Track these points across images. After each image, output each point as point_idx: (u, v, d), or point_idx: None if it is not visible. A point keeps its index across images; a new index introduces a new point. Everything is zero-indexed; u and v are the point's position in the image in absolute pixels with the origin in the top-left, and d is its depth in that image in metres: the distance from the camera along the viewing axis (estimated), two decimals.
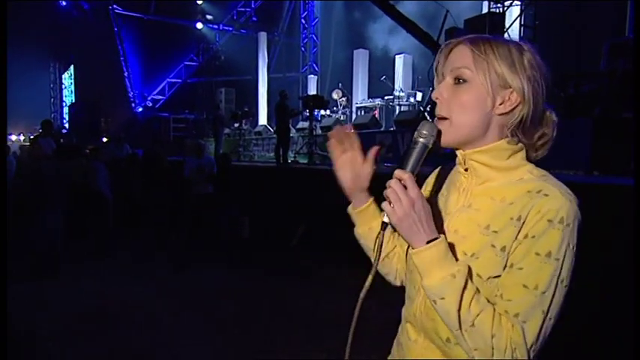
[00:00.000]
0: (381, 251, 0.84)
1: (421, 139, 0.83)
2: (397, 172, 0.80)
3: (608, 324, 2.78)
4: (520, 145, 0.85)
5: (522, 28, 7.70)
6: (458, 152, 0.88)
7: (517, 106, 0.83)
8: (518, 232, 0.77)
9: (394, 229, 0.82)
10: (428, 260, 0.78)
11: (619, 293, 2.72)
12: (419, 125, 0.85)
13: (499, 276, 0.79)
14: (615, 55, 5.65)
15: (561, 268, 0.75)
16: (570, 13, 7.94)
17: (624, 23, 7.16)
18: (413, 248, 0.79)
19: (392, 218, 0.79)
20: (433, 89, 0.89)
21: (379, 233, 0.84)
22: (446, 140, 0.85)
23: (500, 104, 0.82)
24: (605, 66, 5.77)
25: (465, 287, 0.76)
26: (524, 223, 0.77)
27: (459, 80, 0.83)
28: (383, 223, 0.82)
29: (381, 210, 0.81)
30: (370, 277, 0.85)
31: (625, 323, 2.56)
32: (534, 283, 0.75)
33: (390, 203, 0.78)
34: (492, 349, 0.74)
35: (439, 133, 0.84)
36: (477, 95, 0.82)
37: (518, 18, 7.75)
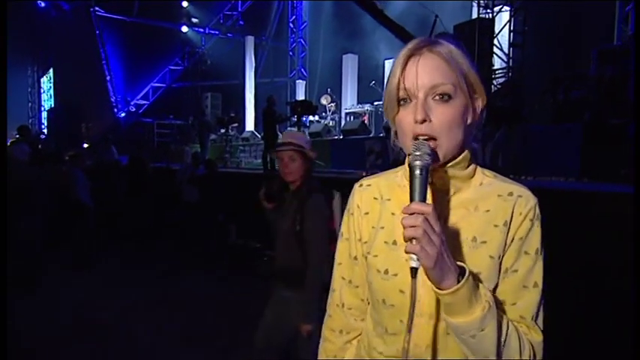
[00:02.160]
0: (414, 306, 0.73)
1: (418, 162, 0.75)
2: (417, 207, 0.71)
3: (606, 325, 2.82)
4: (471, 148, 0.85)
5: (512, 34, 7.84)
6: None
7: (482, 109, 0.84)
8: (506, 236, 0.80)
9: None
10: (465, 297, 0.72)
11: (615, 295, 2.76)
12: (412, 148, 0.77)
13: (497, 285, 0.81)
14: (604, 61, 5.79)
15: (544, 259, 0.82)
16: (559, 18, 8.13)
17: (612, 29, 7.34)
18: (441, 289, 0.72)
19: (427, 262, 0.69)
20: (399, 102, 0.81)
21: (412, 287, 0.72)
22: (435, 161, 0.79)
23: (474, 112, 0.83)
24: (594, 72, 5.90)
25: (497, 310, 0.75)
26: (510, 226, 0.80)
27: (442, 97, 0.79)
28: (413, 269, 0.72)
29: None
30: (407, 336, 0.75)
31: (623, 324, 2.60)
32: (532, 281, 0.80)
33: (415, 243, 0.69)
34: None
35: (433, 149, 0.78)
36: (461, 110, 0.80)
37: (508, 23, 7.90)
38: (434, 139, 0.79)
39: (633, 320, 2.10)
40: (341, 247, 0.98)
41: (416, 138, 0.79)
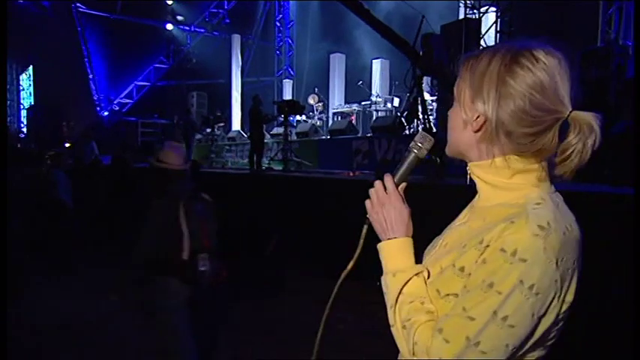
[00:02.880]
0: (363, 242, 0.95)
1: (415, 151, 0.93)
2: (385, 176, 0.92)
3: (605, 326, 2.86)
4: (525, 164, 0.79)
5: (498, 35, 7.93)
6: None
7: (483, 124, 0.80)
8: (480, 255, 0.75)
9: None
10: (383, 254, 0.90)
11: (612, 297, 2.81)
12: (417, 135, 0.94)
13: (456, 294, 0.78)
14: (588, 63, 5.90)
15: (503, 304, 0.70)
16: (545, 20, 8.25)
17: (596, 31, 7.49)
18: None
19: (368, 213, 0.93)
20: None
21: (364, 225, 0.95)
22: (447, 152, 0.91)
23: (475, 120, 0.81)
24: (578, 74, 6.01)
25: (402, 287, 0.84)
26: (486, 247, 0.75)
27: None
28: (365, 217, 0.94)
29: None
30: (350, 264, 0.96)
31: (620, 326, 2.65)
32: (470, 305, 0.73)
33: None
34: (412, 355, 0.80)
35: (434, 145, 0.92)
36: (455, 115, 0.87)
37: (495, 24, 7.99)
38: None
39: (633, 321, 2.14)
40: None
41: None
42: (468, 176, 0.89)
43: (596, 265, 2.84)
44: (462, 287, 0.77)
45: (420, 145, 0.92)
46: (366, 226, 0.95)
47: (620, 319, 2.75)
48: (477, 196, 0.90)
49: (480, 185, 0.86)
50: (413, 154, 0.93)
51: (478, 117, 0.81)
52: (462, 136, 0.85)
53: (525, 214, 0.73)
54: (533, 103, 0.76)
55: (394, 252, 0.89)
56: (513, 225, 0.73)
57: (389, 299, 0.86)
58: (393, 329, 0.85)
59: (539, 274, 0.70)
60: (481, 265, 0.74)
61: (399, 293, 0.84)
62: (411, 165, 0.93)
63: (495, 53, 0.80)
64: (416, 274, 0.85)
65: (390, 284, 0.87)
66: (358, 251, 0.95)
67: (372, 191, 0.92)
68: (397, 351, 0.87)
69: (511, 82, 0.76)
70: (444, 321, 0.76)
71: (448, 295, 0.79)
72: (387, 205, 0.90)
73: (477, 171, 0.85)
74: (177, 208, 2.60)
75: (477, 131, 0.82)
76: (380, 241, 0.92)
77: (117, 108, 16.93)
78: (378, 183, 0.91)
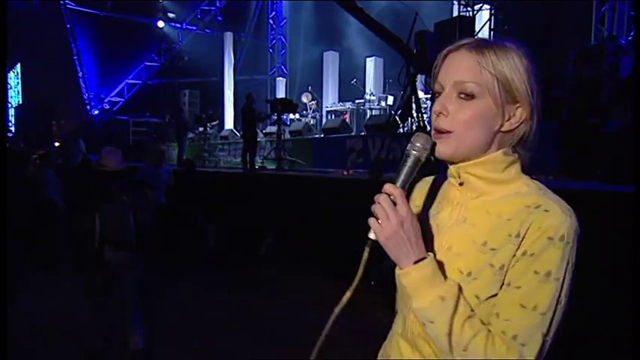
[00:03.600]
0: (364, 268, 0.81)
1: (414, 152, 0.82)
2: (387, 187, 0.79)
3: (603, 327, 2.89)
4: (516, 156, 0.84)
5: (492, 32, 7.98)
6: (451, 165, 0.86)
7: (523, 121, 0.82)
8: (517, 249, 0.76)
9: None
10: (415, 281, 0.77)
11: (612, 297, 2.83)
12: (413, 137, 0.83)
13: (496, 294, 0.78)
14: (582, 61, 5.94)
15: (561, 289, 0.74)
16: (539, 18, 8.31)
17: (590, 29, 7.55)
18: (400, 268, 0.78)
19: (379, 236, 0.78)
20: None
21: (364, 249, 0.81)
22: (445, 152, 0.83)
23: (507, 121, 0.81)
24: (572, 72, 6.06)
25: (455, 310, 0.75)
26: (523, 239, 0.76)
27: (464, 95, 0.80)
28: (368, 239, 0.80)
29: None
30: (348, 294, 0.83)
31: (620, 326, 2.67)
32: (533, 303, 0.74)
33: (377, 220, 0.78)
34: None
35: (433, 145, 0.82)
36: (484, 112, 0.80)
37: (488, 22, 8.04)
38: (449, 132, 0.82)
39: (633, 322, 2.16)
40: None
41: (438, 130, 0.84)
42: (455, 177, 0.86)
43: (593, 263, 2.87)
44: (505, 286, 0.77)
45: (419, 145, 0.82)
46: (367, 249, 0.81)
47: (620, 319, 2.77)
48: (462, 194, 0.86)
49: (473, 182, 0.84)
50: (413, 157, 0.82)
51: (515, 114, 0.82)
52: (484, 135, 0.81)
53: (551, 201, 0.78)
54: (542, 96, 0.83)
55: (431, 274, 0.77)
56: (549, 213, 0.76)
57: (439, 327, 0.75)
58: (450, 357, 0.76)
59: (574, 253, 0.76)
60: (529, 258, 0.75)
61: (453, 316, 0.75)
62: (412, 169, 0.82)
63: (506, 48, 0.81)
64: (459, 290, 0.78)
65: (439, 311, 0.75)
66: (357, 281, 0.82)
67: (382, 208, 0.77)
68: None
69: (534, 77, 0.82)
70: (512, 326, 0.74)
71: (489, 298, 0.77)
72: (405, 224, 0.77)
73: (475, 169, 0.83)
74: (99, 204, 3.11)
75: (509, 130, 0.82)
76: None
77: (107, 107, 16.81)
78: (384, 198, 0.78)
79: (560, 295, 0.74)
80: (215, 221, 6.48)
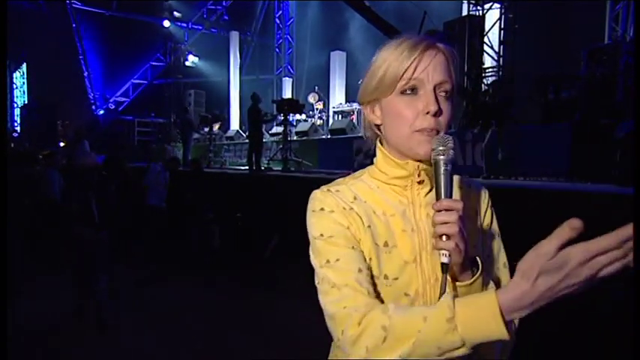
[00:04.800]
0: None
1: (442, 157, 0.78)
2: (449, 203, 0.74)
3: (603, 327, 2.87)
4: None
5: (502, 32, 7.93)
6: (412, 164, 0.85)
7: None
8: (483, 220, 0.94)
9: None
10: (479, 288, 0.78)
11: (611, 297, 2.81)
12: (434, 144, 0.80)
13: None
14: (594, 61, 5.89)
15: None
16: (550, 17, 8.25)
17: (603, 28, 7.48)
18: (459, 281, 0.78)
19: (459, 257, 0.74)
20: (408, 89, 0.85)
21: (442, 281, 0.76)
22: (429, 152, 0.82)
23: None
24: (584, 72, 6.01)
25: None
26: (484, 215, 0.94)
27: (446, 94, 0.84)
28: (444, 265, 0.75)
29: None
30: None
31: (620, 327, 2.64)
32: (503, 261, 0.94)
33: (448, 239, 0.72)
34: None
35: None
36: (454, 109, 0.86)
37: (498, 21, 8.00)
38: (438, 131, 0.82)
39: (633, 322, 2.14)
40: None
41: (420, 130, 0.82)
42: (413, 176, 0.88)
43: None
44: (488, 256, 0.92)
45: (442, 149, 0.78)
46: (444, 276, 0.77)
47: (620, 319, 2.75)
48: (414, 192, 0.88)
49: (428, 178, 0.87)
50: (443, 162, 0.78)
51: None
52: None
53: (462, 177, 0.95)
54: None
55: (486, 278, 0.83)
56: (478, 188, 0.96)
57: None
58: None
59: None
60: (494, 228, 0.96)
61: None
62: (449, 173, 0.78)
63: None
64: None
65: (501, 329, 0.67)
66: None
67: (454, 226, 0.73)
68: None
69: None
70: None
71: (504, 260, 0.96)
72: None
73: (428, 165, 0.87)
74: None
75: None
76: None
77: (113, 106, 16.94)
78: (451, 215, 0.73)
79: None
80: (220, 222, 6.50)
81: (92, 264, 4.01)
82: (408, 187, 0.87)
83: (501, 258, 0.93)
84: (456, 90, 0.86)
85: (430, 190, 0.87)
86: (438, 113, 0.81)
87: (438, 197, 0.77)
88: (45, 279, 5.39)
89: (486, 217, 0.94)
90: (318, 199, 0.90)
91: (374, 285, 0.82)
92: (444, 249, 0.73)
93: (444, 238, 0.73)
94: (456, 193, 0.87)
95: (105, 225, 4.07)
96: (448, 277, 0.76)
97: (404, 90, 0.83)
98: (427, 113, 0.81)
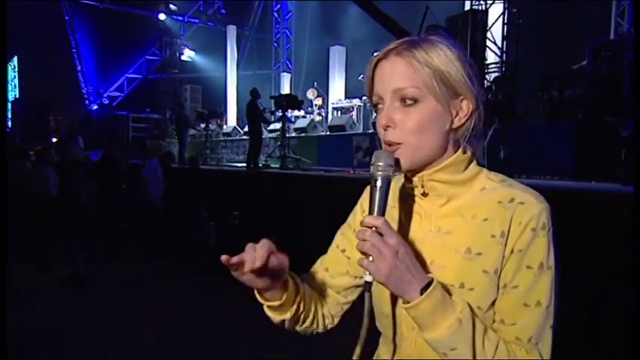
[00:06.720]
0: (370, 317, 0.77)
1: (380, 173, 0.77)
2: (368, 220, 0.73)
3: (603, 327, 2.88)
4: (471, 150, 0.84)
5: (505, 27, 7.93)
6: (413, 176, 0.84)
7: (471, 113, 0.81)
8: (504, 248, 0.77)
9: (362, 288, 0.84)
10: (428, 312, 0.72)
11: (613, 297, 2.82)
12: (373, 157, 0.79)
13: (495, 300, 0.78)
14: (600, 57, 5.88)
15: (554, 274, 0.77)
16: (554, 12, 8.25)
17: (609, 24, 7.48)
18: (406, 302, 0.73)
19: (378, 276, 0.71)
20: (374, 108, 0.85)
21: (363, 295, 0.78)
22: (403, 165, 0.80)
23: (456, 117, 0.80)
24: (589, 68, 6.00)
25: (474, 329, 0.73)
26: (507, 238, 0.77)
27: (405, 101, 0.78)
28: (366, 283, 0.75)
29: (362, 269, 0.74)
30: (358, 350, 0.77)
31: (621, 326, 2.65)
32: (535, 299, 0.76)
33: (369, 258, 0.71)
34: None
35: (397, 160, 0.79)
36: (432, 114, 0.78)
37: (502, 16, 7.99)
38: (399, 143, 0.79)
39: (633, 322, 2.14)
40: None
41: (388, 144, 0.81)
42: (418, 187, 0.83)
43: (610, 264, 2.85)
44: (502, 289, 0.78)
45: (382, 164, 0.77)
46: (369, 295, 0.77)
47: (620, 319, 2.76)
48: (428, 203, 0.84)
49: (439, 189, 0.82)
50: (381, 178, 0.77)
51: (461, 107, 0.81)
52: (436, 137, 0.80)
53: (521, 191, 0.79)
54: (480, 82, 0.84)
55: (441, 298, 0.73)
56: (525, 205, 0.77)
57: (463, 352, 0.72)
58: None
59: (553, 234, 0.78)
60: (519, 254, 0.76)
61: (474, 336, 0.73)
62: (385, 191, 0.76)
63: (433, 43, 0.80)
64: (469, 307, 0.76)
65: (460, 335, 0.72)
66: (364, 333, 0.76)
67: (372, 244, 0.71)
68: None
69: (468, 65, 0.80)
70: (523, 329, 0.76)
71: (491, 305, 0.78)
72: (400, 252, 0.71)
73: (438, 175, 0.81)
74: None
75: (460, 125, 0.82)
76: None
77: (107, 101, 16.92)
78: (370, 233, 0.71)
79: (554, 282, 0.77)
80: (217, 220, 6.51)
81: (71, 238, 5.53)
82: (418, 197, 0.86)
83: (528, 294, 0.76)
84: (439, 89, 0.78)
85: (449, 200, 0.83)
86: (390, 126, 0.79)
87: (369, 212, 0.76)
88: (43, 278, 5.39)
89: (519, 240, 0.76)
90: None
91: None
92: (363, 266, 0.72)
93: (366, 255, 0.72)
94: (474, 198, 0.81)
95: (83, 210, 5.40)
96: (386, 297, 0.82)
97: (375, 106, 0.85)
98: (381, 128, 0.81)
